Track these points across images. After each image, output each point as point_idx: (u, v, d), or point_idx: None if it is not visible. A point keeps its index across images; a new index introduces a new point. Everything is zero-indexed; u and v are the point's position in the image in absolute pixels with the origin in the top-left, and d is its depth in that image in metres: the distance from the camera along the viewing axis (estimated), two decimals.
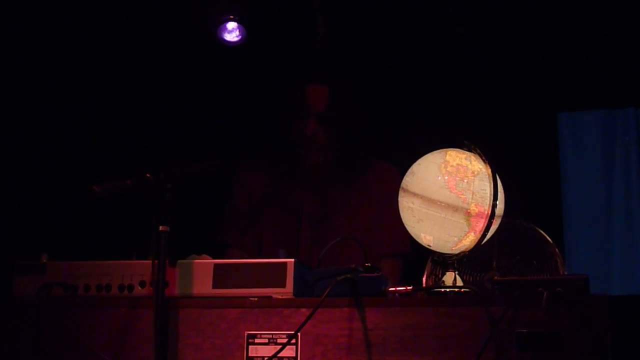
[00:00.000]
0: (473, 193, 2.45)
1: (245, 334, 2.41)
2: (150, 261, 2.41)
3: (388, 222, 3.33)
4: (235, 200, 3.54)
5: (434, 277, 2.80)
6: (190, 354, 2.42)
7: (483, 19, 4.68)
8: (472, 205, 2.45)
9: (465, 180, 2.46)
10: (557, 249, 2.95)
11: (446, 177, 2.46)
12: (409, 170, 2.55)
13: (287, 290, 2.41)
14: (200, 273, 2.48)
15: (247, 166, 3.56)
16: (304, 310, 2.36)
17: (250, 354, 2.39)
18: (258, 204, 3.49)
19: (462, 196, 2.45)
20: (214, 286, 2.47)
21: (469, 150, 2.55)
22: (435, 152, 2.55)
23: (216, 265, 2.49)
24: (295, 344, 2.36)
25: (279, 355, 2.35)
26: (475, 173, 2.48)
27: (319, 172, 3.47)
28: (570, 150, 5.13)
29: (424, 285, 2.82)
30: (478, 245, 2.50)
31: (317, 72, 3.63)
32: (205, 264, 2.50)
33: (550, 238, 2.95)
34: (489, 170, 2.49)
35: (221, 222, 3.52)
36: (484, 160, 2.51)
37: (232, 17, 4.63)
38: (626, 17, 4.65)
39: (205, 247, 3.24)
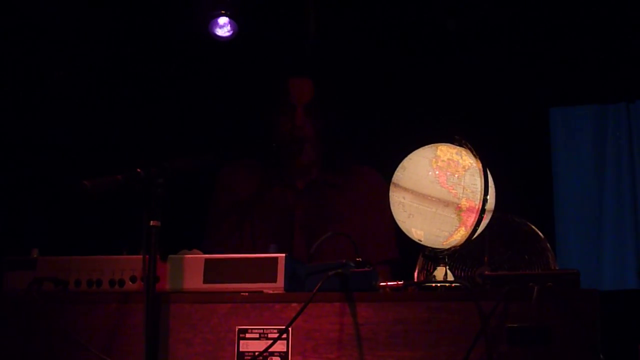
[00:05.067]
0: (464, 188, 2.46)
1: (236, 329, 2.40)
2: (141, 256, 2.41)
3: (377, 229, 3.36)
4: (219, 203, 3.50)
5: (425, 272, 2.80)
6: (181, 348, 2.42)
7: (473, 13, 4.69)
8: (463, 200, 2.45)
9: (456, 175, 2.47)
10: (548, 244, 2.95)
11: (437, 172, 2.47)
12: (400, 165, 2.55)
13: (278, 285, 2.41)
14: (191, 268, 2.48)
15: (230, 167, 3.52)
16: (295, 305, 2.36)
17: (241, 349, 2.39)
18: (245, 206, 3.46)
19: (453, 191, 2.45)
20: (205, 281, 2.47)
21: (460, 145, 2.55)
22: (426, 146, 2.55)
23: (207, 260, 2.49)
24: (287, 338, 2.36)
25: (270, 350, 2.35)
26: (466, 168, 2.48)
27: (309, 170, 3.46)
28: (561, 145, 5.14)
29: (415, 280, 2.82)
30: (469, 240, 2.50)
31: (298, 65, 3.62)
32: (196, 259, 2.50)
33: (542, 233, 2.95)
34: (480, 165, 2.49)
35: (205, 228, 3.49)
36: (474, 155, 2.51)
37: (223, 11, 4.62)
38: (618, 13, 4.66)
39: (197, 242, 3.24)
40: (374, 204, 3.37)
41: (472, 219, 2.47)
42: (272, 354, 2.36)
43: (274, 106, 3.46)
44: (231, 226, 3.43)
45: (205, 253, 2.60)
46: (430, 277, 2.58)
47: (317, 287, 2.32)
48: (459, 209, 2.45)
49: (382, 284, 2.42)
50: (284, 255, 2.43)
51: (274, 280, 2.41)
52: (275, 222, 3.43)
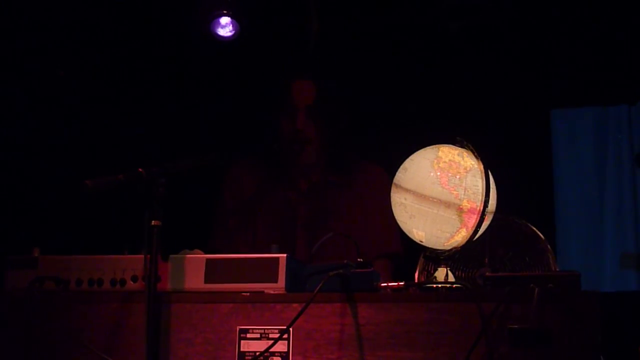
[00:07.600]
0: (465, 189, 2.46)
1: (237, 329, 2.41)
2: (142, 256, 2.41)
3: (379, 223, 3.36)
4: (225, 202, 3.52)
5: (426, 272, 2.80)
6: (182, 348, 2.43)
7: (476, 15, 4.68)
8: (464, 201, 2.45)
9: (458, 177, 2.47)
10: (549, 245, 2.95)
11: (438, 173, 2.47)
12: (402, 166, 2.56)
13: (279, 286, 2.41)
14: (193, 268, 2.48)
15: (237, 167, 3.54)
16: (296, 305, 2.36)
17: (242, 349, 2.39)
18: (250, 206, 3.48)
19: (455, 192, 2.45)
20: (206, 281, 2.47)
21: (462, 147, 2.55)
22: (427, 148, 2.55)
23: (208, 260, 2.49)
24: (287, 339, 2.37)
25: (271, 350, 2.36)
26: (468, 169, 2.48)
27: (311, 171, 3.48)
28: (562, 147, 5.14)
29: (415, 281, 2.82)
30: (470, 241, 2.50)
31: (301, 68, 3.63)
32: (197, 258, 2.51)
33: (543, 234, 2.95)
34: (481, 167, 2.49)
35: (212, 226, 3.50)
36: (476, 157, 2.52)
37: (225, 11, 4.62)
38: (620, 15, 4.65)
39: (198, 241, 3.24)
40: (377, 199, 3.37)
41: (473, 220, 2.47)
42: (273, 354, 2.37)
43: (277, 108, 3.47)
44: (236, 225, 3.44)
45: (212, 251, 2.61)
46: (431, 278, 2.58)
47: (318, 288, 2.32)
48: (460, 210, 2.46)
49: (383, 284, 2.42)
50: (285, 255, 2.44)
51: (275, 281, 2.42)
52: (278, 222, 3.45)
